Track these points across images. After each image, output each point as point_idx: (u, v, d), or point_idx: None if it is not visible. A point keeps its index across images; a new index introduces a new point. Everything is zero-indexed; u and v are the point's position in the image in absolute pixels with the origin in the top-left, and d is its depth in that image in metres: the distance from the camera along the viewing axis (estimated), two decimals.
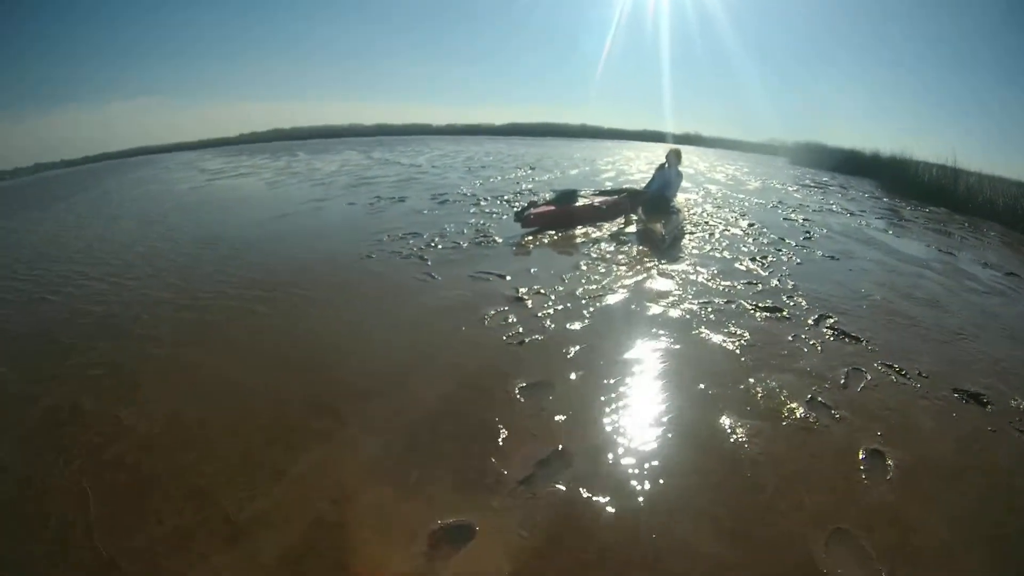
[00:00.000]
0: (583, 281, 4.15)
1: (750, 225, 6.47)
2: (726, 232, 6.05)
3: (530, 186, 9.07)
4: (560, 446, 2.23)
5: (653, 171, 6.88)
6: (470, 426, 2.36)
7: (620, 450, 2.24)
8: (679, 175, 6.55)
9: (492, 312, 3.53)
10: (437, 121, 33.38)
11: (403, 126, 32.62)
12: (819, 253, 5.34)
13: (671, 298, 3.86)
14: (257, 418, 2.47)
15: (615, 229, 5.99)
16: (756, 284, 4.21)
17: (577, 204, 6.29)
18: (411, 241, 5.29)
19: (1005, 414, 2.63)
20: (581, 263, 4.61)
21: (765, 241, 5.69)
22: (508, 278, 4.20)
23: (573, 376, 2.78)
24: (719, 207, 7.82)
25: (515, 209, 6.35)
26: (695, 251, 5.19)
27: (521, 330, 3.27)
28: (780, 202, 8.64)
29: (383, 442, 2.26)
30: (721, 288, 4.10)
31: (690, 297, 3.89)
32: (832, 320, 3.58)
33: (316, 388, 2.69)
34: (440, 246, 5.11)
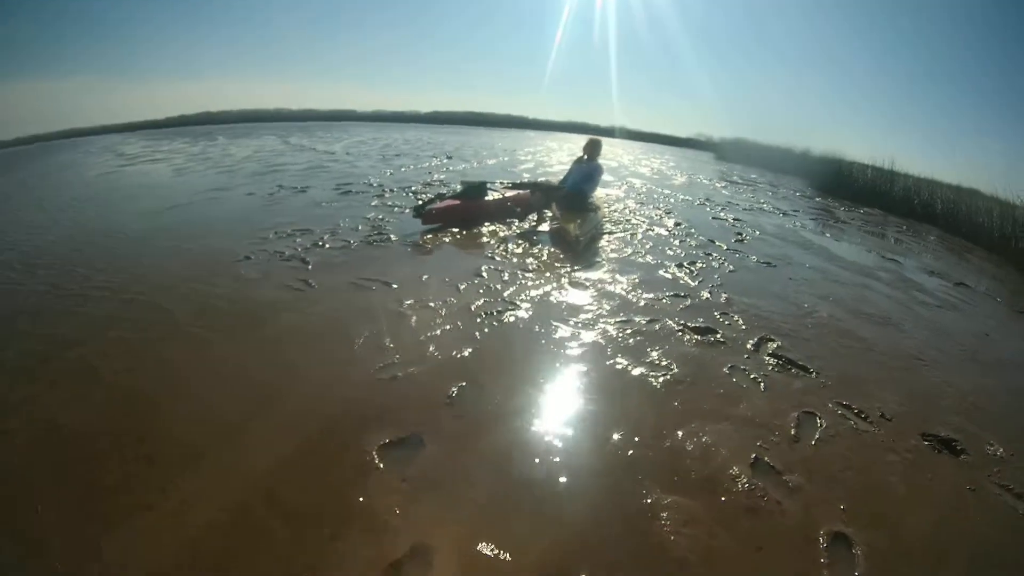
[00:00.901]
0: (482, 292, 3.38)
1: (676, 224, 5.91)
2: (650, 232, 5.44)
3: (442, 176, 8.24)
4: (421, 541, 1.58)
5: (571, 163, 6.16)
6: (308, 505, 1.72)
7: (501, 550, 1.57)
8: (599, 168, 5.79)
9: (366, 333, 2.77)
10: (363, 107, 32.66)
11: (329, 112, 31.92)
12: (753, 259, 4.82)
13: (584, 315, 3.12)
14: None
15: (526, 227, 5.24)
16: (684, 297, 3.55)
17: (486, 198, 5.49)
18: (298, 239, 4.42)
19: (982, 465, 2.20)
20: (483, 268, 3.81)
21: (693, 244, 5.11)
22: (394, 286, 3.43)
23: (451, 429, 2.08)
24: (643, 203, 7.29)
25: (418, 202, 5.52)
26: (614, 255, 4.51)
27: (398, 359, 2.55)
28: (708, 199, 8.28)
29: (204, 523, 1.65)
30: (643, 303, 3.40)
31: (606, 314, 3.16)
32: (774, 344, 2.97)
33: (137, 444, 1.98)
34: (328, 245, 4.27)
